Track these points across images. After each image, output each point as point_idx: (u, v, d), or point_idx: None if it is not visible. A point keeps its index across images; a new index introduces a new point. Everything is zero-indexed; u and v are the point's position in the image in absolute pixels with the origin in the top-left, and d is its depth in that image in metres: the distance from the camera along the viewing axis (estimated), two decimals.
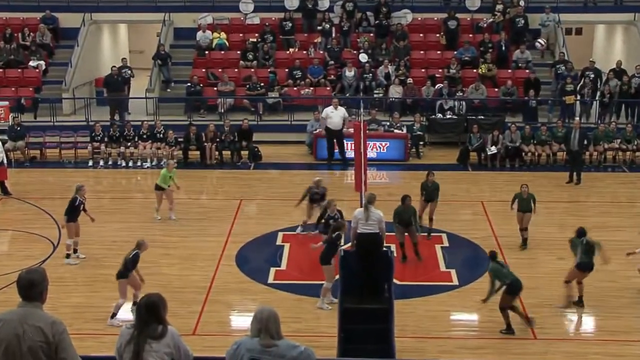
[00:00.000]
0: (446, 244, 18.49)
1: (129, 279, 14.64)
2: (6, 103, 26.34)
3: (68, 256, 17.37)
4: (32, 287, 6.05)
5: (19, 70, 28.68)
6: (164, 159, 23.81)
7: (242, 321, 14.71)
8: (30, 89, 28.22)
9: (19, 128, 25.12)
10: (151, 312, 6.35)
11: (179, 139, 24.85)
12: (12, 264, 16.82)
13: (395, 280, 14.29)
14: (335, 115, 24.59)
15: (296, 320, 14.45)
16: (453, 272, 17.03)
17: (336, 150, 24.64)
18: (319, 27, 29.95)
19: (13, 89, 28.06)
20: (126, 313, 14.46)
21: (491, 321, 14.74)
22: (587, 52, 32.11)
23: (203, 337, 14.06)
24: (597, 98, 27.19)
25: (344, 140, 24.43)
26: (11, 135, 24.81)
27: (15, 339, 5.94)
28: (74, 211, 17.26)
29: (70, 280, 16.33)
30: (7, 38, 29.33)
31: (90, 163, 24.80)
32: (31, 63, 28.79)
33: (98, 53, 31.49)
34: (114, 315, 14.65)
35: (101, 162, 24.81)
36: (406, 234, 17.19)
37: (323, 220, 17.60)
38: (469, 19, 30.39)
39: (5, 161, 22.00)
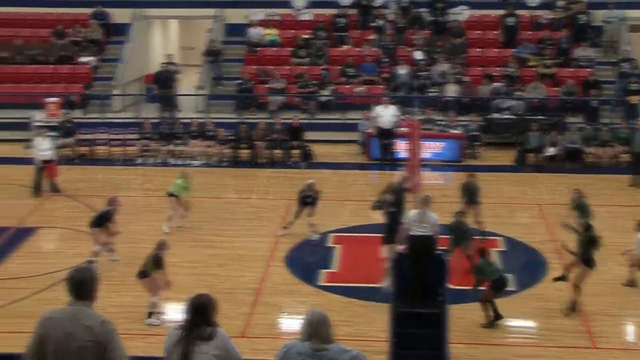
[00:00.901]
0: (502, 247, 17.88)
1: (151, 278, 14.44)
2: (57, 99, 26.23)
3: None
4: (82, 285, 6.12)
5: (70, 66, 28.63)
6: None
7: (291, 324, 14.41)
8: (81, 85, 28.17)
9: (69, 125, 25.06)
10: (200, 313, 6.28)
11: (229, 137, 24.53)
12: (60, 262, 16.65)
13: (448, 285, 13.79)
14: (385, 113, 24.03)
15: (347, 324, 14.05)
16: (510, 277, 16.38)
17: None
18: (373, 24, 29.41)
19: (64, 85, 28.02)
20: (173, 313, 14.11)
21: (548, 328, 14.33)
22: None
23: (252, 339, 13.79)
24: None
25: (394, 140, 23.86)
26: (61, 131, 24.72)
27: (65, 338, 5.97)
28: (104, 221, 16.96)
29: (120, 279, 16.05)
30: (59, 34, 29.29)
31: (140, 160, 24.61)
32: (82, 59, 28.72)
33: (148, 49, 31.36)
34: (150, 314, 14.49)
35: (150, 160, 24.60)
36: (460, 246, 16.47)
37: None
38: (528, 15, 29.60)
39: (55, 158, 21.85)
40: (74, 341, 5.98)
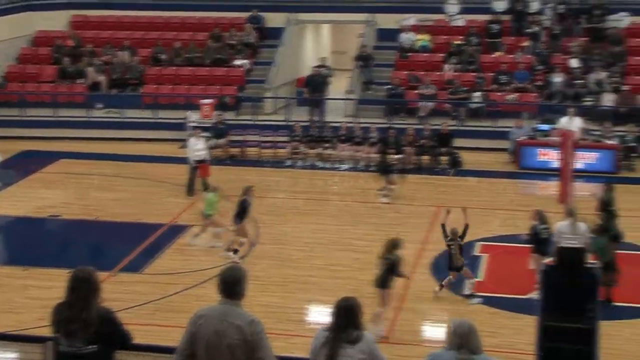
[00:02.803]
0: None
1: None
2: (211, 101, 26.91)
3: (235, 251, 17.38)
4: (235, 284, 6.27)
5: (225, 68, 29.32)
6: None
7: (435, 331, 14.28)
8: (234, 87, 28.79)
9: (221, 126, 25.63)
10: (348, 316, 6.29)
11: (378, 138, 24.54)
12: (210, 260, 17.12)
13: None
14: (571, 126, 23.23)
15: (492, 335, 13.71)
16: None
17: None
18: (528, 30, 28.81)
19: (218, 87, 28.72)
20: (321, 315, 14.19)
21: None
22: None
23: (395, 345, 13.67)
24: None
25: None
26: (214, 132, 25.31)
27: (215, 336, 6.14)
28: (244, 213, 17.27)
29: (265, 279, 16.30)
30: (216, 37, 30.06)
31: (289, 162, 24.93)
32: (236, 62, 29.37)
33: (301, 53, 31.77)
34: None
35: (299, 162, 24.90)
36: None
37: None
38: None
39: (208, 158, 22.39)
40: (224, 339, 6.12)
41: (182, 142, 24.83)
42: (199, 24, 31.24)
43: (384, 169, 21.68)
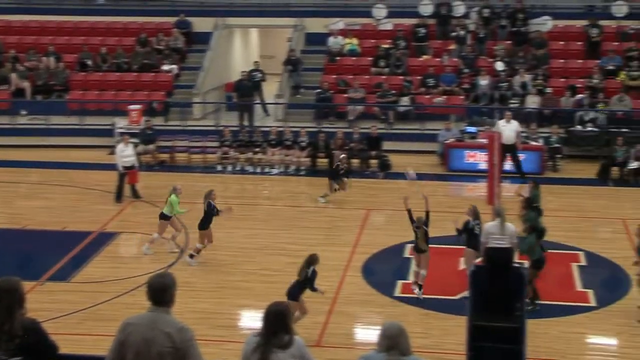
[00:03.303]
0: (583, 262, 17.48)
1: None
2: (139, 107, 26.65)
3: (192, 256, 17.36)
4: (163, 291, 6.21)
5: (152, 74, 29.08)
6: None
7: (367, 334, 14.32)
8: (163, 92, 28.59)
9: (150, 132, 25.40)
10: (279, 321, 6.30)
11: (308, 142, 24.62)
12: (140, 267, 16.96)
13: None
14: (507, 129, 23.43)
15: (423, 336, 13.90)
16: (590, 292, 16.06)
17: (510, 163, 23.50)
18: (454, 34, 29.19)
19: (146, 92, 28.48)
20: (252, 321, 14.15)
21: (632, 347, 13.94)
22: None
23: (326, 348, 13.73)
24: None
25: (517, 154, 23.54)
26: (143, 138, 25.08)
27: (144, 344, 6.09)
28: (210, 218, 17.19)
29: (197, 285, 16.21)
30: (143, 42, 29.79)
31: (219, 168, 24.83)
32: (164, 67, 29.17)
33: (229, 57, 31.68)
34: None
35: (229, 167, 24.81)
36: None
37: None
38: (614, 26, 29.02)
39: (136, 164, 22.17)
40: (154, 347, 6.08)
41: (110, 148, 24.56)
42: (125, 29, 30.92)
43: (333, 174, 21.61)
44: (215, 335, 13.99)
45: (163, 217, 17.96)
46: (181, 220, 18.39)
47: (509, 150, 23.33)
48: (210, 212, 17.21)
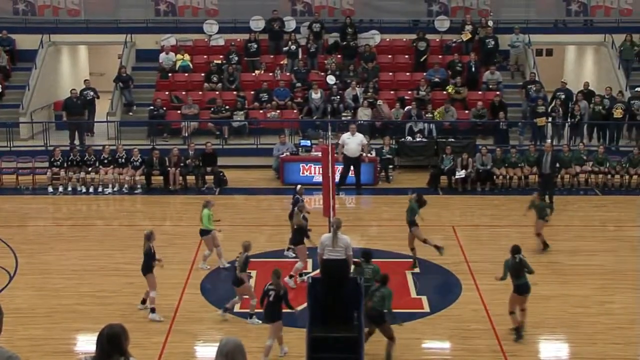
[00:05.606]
0: (417, 270, 17.95)
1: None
2: None
3: (153, 310, 15.46)
4: None
5: None
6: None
7: (207, 352, 14.16)
8: None
9: None
10: (113, 343, 6.17)
11: (141, 161, 24.23)
12: None
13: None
14: (352, 141, 23.82)
15: (262, 350, 13.83)
16: (424, 299, 16.51)
17: (351, 175, 23.97)
18: (285, 49, 29.48)
19: None
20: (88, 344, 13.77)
21: (464, 349, 14.36)
22: (558, 73, 32.02)
23: None
24: (568, 120, 26.92)
25: (361, 167, 23.98)
26: None
27: None
28: (151, 261, 15.64)
29: (28, 311, 15.62)
30: None
31: (50, 189, 24.06)
32: None
33: (57, 76, 30.80)
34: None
35: (60, 188, 24.08)
36: None
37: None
38: (438, 40, 30.13)
39: None
40: None
41: None
42: None
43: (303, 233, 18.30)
44: None
45: (203, 233, 17.72)
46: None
47: (353, 162, 23.80)
48: (151, 257, 15.66)
